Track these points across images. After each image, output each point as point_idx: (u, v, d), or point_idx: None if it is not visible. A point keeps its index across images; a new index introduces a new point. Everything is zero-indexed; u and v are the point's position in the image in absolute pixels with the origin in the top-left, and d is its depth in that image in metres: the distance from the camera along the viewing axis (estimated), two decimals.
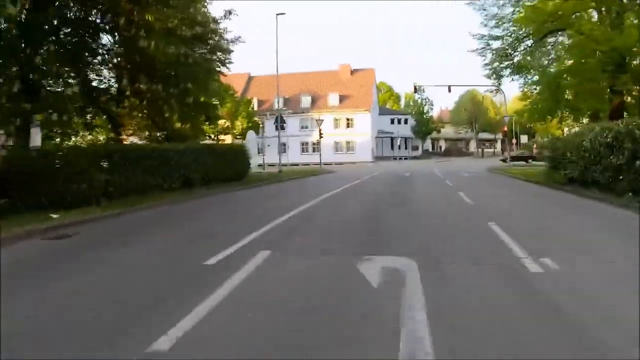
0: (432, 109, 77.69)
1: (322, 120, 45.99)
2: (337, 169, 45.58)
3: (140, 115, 22.16)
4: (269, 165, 63.11)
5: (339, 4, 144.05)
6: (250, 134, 44.50)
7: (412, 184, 20.99)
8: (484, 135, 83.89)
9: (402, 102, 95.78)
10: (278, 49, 39.77)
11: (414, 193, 16.09)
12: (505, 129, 38.92)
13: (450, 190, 17.02)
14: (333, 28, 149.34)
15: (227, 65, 25.56)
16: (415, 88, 38.62)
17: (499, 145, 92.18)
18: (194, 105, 22.34)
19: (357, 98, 72.37)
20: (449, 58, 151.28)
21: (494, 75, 26.43)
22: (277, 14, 32.46)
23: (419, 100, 77.24)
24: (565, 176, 17.56)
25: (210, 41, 18.56)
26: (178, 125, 20.24)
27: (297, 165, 67.44)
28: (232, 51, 21.60)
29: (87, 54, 17.36)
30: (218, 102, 29.35)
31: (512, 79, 26.32)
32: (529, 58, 24.73)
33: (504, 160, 58.96)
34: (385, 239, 7.61)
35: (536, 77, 26.17)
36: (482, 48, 26.12)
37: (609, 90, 21.39)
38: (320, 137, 44.03)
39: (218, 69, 23.86)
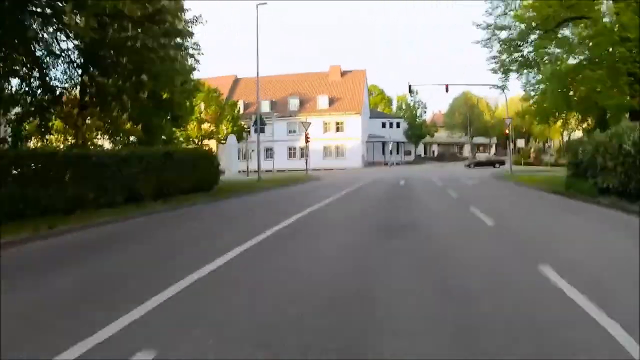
0: (425, 112, 74.86)
1: (309, 123, 42.85)
2: (325, 175, 42.38)
3: (92, 115, 18.87)
4: (255, 171, 59.98)
5: (329, 4, 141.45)
6: (231, 138, 41.23)
7: (410, 197, 17.23)
8: (478, 140, 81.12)
9: (394, 106, 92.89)
10: (259, 43, 35.39)
11: (416, 213, 12.07)
12: (507, 131, 35.81)
13: (459, 205, 13.84)
14: (324, 30, 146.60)
15: (196, 55, 22.43)
16: (409, 88, 35.62)
17: (493, 149, 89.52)
18: (153, 102, 19.09)
19: (347, 101, 69.37)
20: (443, 61, 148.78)
21: (502, 70, 23.37)
22: (258, 4, 29.14)
23: (412, 103, 74.26)
24: (595, 186, 14.46)
25: (166, 24, 15.22)
26: (128, 126, 16.85)
27: (284, 171, 64.35)
28: (193, 34, 18.34)
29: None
30: (188, 101, 25.98)
31: (521, 74, 23.15)
32: (542, 51, 21.58)
33: (468, 166, 56.83)
34: None
35: (542, 74, 23.28)
36: (488, 39, 23.11)
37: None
38: (307, 141, 40.75)
39: (185, 60, 20.76)
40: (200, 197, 16.67)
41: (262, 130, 29.61)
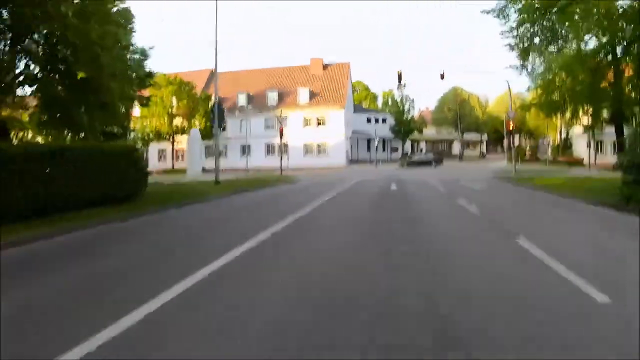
0: (413, 107, 69.99)
1: (285, 117, 37.74)
2: (302, 176, 37.42)
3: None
4: (227, 170, 54.70)
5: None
6: (194, 133, 36.07)
7: (413, 217, 10.95)
8: (468, 137, 76.72)
9: (380, 102, 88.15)
10: (217, 34, 29.80)
11: (442, 267, 6.68)
12: (511, 126, 31.14)
13: (499, 234, 8.71)
14: (308, 26, 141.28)
15: (126, 25, 17.56)
16: (399, 75, 30.69)
17: (484, 146, 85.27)
18: (69, 83, 14.09)
19: (329, 94, 64.40)
20: (431, 59, 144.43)
21: (521, 45, 18.55)
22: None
23: (399, 98, 69.41)
24: None
25: None
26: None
27: (260, 170, 59.23)
28: None
29: None
30: (130, 88, 20.84)
31: (544, 49, 18.35)
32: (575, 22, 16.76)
33: (401, 166, 52.51)
34: None
35: (556, 61, 18.76)
36: (504, 7, 18.28)
37: None
38: (281, 137, 35.73)
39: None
40: (108, 213, 11.52)
41: (223, 128, 24.34)
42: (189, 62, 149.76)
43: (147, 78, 35.08)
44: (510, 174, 31.03)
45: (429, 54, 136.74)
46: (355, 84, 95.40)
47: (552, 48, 19.62)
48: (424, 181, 24.41)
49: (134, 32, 24.56)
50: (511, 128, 31.12)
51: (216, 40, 23.04)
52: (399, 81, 32.09)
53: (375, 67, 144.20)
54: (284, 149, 62.30)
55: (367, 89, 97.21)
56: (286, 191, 20.42)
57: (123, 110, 33.41)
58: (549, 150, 63.60)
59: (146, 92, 61.78)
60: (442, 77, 31.74)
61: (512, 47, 19.14)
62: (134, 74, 32.28)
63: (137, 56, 34.11)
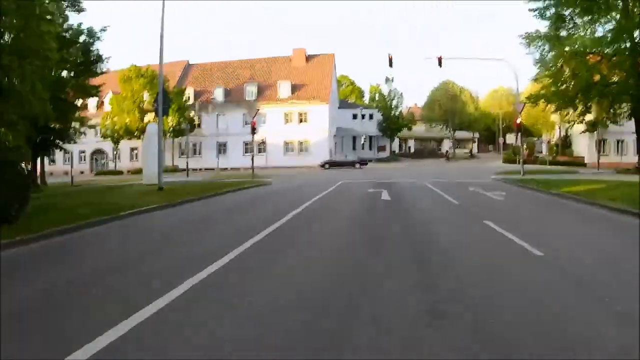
0: (401, 103, 65.37)
1: (257, 110, 33.21)
2: (278, 177, 32.79)
3: None
4: (205, 169, 49.76)
5: None
6: (150, 128, 30.95)
7: (425, 259, 6.39)
8: (459, 134, 72.51)
9: (367, 98, 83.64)
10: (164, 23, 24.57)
11: None
12: (519, 120, 26.76)
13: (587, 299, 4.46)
14: (291, 16, 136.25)
15: None
16: (389, 61, 26.20)
17: (475, 145, 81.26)
18: None
19: (312, 88, 59.73)
20: (423, 52, 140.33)
21: (552, 10, 14.14)
22: None
23: (387, 92, 64.85)
24: None
25: None
26: None
27: (239, 169, 54.57)
28: None
29: None
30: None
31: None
32: None
33: (322, 167, 48.41)
34: None
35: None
36: None
37: None
38: (254, 133, 31.01)
39: None
40: None
41: (165, 113, 19.53)
42: (166, 54, 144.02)
43: (95, 63, 30.31)
44: (517, 175, 26.78)
45: (419, 48, 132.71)
46: (340, 79, 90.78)
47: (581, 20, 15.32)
48: (422, 186, 19.91)
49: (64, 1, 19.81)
50: (519, 122, 26.67)
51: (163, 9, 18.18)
52: (390, 65, 27.58)
53: (362, 62, 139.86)
54: (258, 147, 57.86)
55: (353, 83, 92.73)
56: (240, 203, 15.64)
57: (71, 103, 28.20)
58: (546, 149, 59.77)
59: (114, 85, 56.35)
60: (440, 63, 27.34)
61: (541, 14, 14.81)
62: (73, 58, 27.52)
63: (84, 39, 29.26)
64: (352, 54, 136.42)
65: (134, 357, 3.34)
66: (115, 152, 63.34)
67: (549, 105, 30.43)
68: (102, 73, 31.27)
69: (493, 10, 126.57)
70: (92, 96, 34.54)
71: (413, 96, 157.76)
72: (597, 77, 26.82)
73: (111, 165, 63.03)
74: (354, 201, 13.56)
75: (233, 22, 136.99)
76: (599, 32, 26.40)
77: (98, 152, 65.22)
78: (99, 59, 30.15)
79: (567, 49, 25.65)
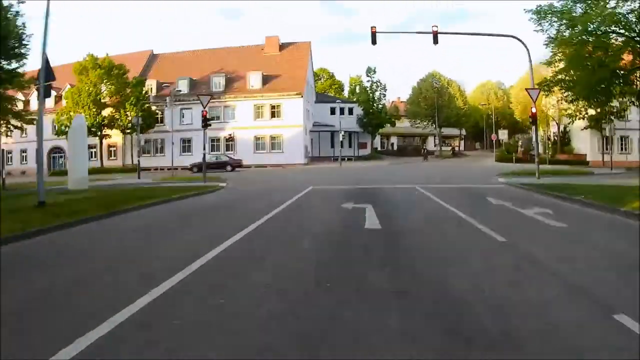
0: (384, 95, 59.79)
1: (209, 97, 27.39)
2: (239, 180, 27.18)
3: None
4: (167, 168, 43.66)
5: None
6: (77, 121, 24.89)
7: None
8: (446, 131, 67.31)
9: (347, 92, 78.15)
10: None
11: None
12: (534, 110, 21.40)
13: None
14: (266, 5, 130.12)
15: None
16: (373, 36, 20.65)
17: (462, 142, 76.46)
18: None
19: (286, 79, 53.93)
20: (408, 45, 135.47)
21: None
22: None
23: (369, 84, 59.23)
24: None
25: None
26: None
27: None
28: None
29: None
30: None
31: None
32: None
33: (190, 169, 42.94)
34: None
35: None
36: None
37: None
38: (205, 125, 25.15)
39: None
40: None
41: (48, 94, 13.54)
42: (131, 44, 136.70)
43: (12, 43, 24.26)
44: (530, 177, 21.55)
45: (404, 41, 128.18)
46: (319, 72, 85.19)
47: None
48: (421, 198, 14.40)
49: None
50: (534, 112, 21.28)
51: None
52: (373, 43, 21.96)
53: (343, 56, 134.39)
54: (226, 143, 52.07)
55: (332, 77, 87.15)
56: (151, 227, 9.97)
57: None
58: (540, 146, 55.04)
59: (71, 78, 49.19)
60: (435, 39, 21.88)
61: None
62: None
63: None
64: (332, 47, 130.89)
65: None
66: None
67: (563, 94, 25.28)
68: (22, 56, 25.28)
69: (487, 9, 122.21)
70: (14, 86, 28.25)
71: (397, 91, 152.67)
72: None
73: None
74: (318, 234, 7.90)
75: (205, 10, 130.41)
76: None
77: (56, 150, 58.70)
78: (16, 36, 24.19)
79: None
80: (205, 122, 25.16)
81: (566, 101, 26.49)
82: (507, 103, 67.51)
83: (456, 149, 67.96)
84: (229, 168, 41.74)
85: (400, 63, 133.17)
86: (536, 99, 21.79)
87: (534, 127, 23.31)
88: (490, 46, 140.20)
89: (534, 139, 25.01)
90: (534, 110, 21.56)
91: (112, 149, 59.19)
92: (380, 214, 9.87)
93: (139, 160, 39.31)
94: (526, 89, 22.96)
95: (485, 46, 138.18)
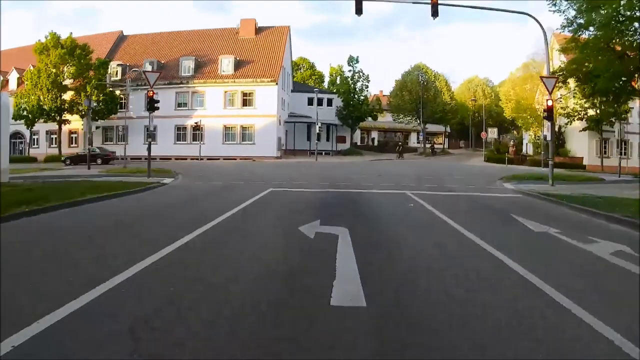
0: (367, 87, 55.41)
1: (157, 74, 23.07)
2: (193, 174, 22.79)
3: None
4: (130, 158, 38.66)
5: None
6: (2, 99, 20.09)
7: None
8: (430, 128, 63.33)
9: (327, 82, 73.74)
10: None
11: None
12: (550, 102, 17.42)
13: None
14: None
15: None
16: (358, 3, 16.36)
17: (446, 139, 72.81)
18: None
19: (260, 64, 49.36)
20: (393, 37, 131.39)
21: None
22: None
23: (351, 74, 54.89)
24: None
25: None
26: None
27: (170, 159, 44.12)
28: None
29: None
30: None
31: None
32: None
33: (64, 162, 38.81)
34: None
35: None
36: None
37: None
38: (151, 107, 20.60)
39: None
40: None
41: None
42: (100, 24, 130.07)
43: None
44: (543, 184, 17.61)
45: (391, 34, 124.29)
46: (298, 61, 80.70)
47: None
48: (422, 216, 10.18)
49: None
50: (550, 104, 17.33)
51: None
52: (358, 12, 17.65)
53: (324, 49, 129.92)
54: (192, 133, 47.10)
55: (312, 67, 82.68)
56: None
57: None
58: (530, 147, 51.61)
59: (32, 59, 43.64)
60: (435, 10, 17.73)
61: None
62: None
63: None
64: (314, 40, 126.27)
65: None
66: (31, 136, 52.23)
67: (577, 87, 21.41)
68: None
69: None
70: None
71: (380, 85, 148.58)
72: None
73: (33, 151, 51.95)
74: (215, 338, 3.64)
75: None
76: None
77: (18, 136, 53.33)
78: None
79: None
80: (152, 105, 20.62)
81: (582, 96, 22.59)
82: (495, 100, 64.02)
83: (436, 146, 63.48)
84: (99, 161, 36.71)
85: (384, 58, 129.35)
86: (552, 90, 17.82)
87: (549, 123, 19.34)
88: (479, 40, 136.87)
89: (548, 137, 21.04)
90: (549, 102, 17.60)
91: (73, 135, 53.82)
92: (363, 255, 5.63)
93: (89, 149, 34.54)
94: (541, 77, 19.01)
95: (474, 40, 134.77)
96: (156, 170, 23.90)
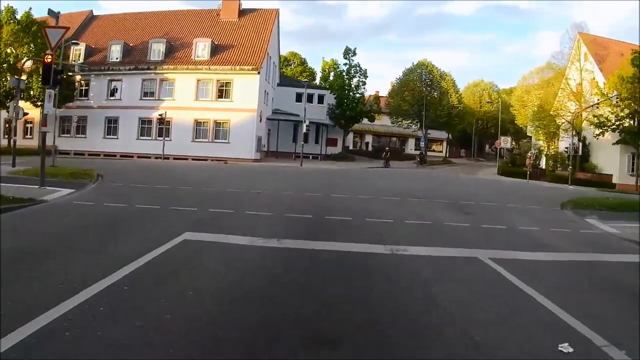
0: (364, 83, 48.41)
1: (63, 30, 15.74)
2: (114, 187, 15.80)
3: None
4: (88, 154, 30.88)
5: None
6: None
7: None
8: (431, 134, 56.78)
9: (319, 79, 67.02)
10: None
11: None
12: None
13: None
14: None
15: None
16: None
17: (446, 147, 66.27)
18: None
19: (241, 50, 42.38)
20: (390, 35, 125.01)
21: None
22: None
23: (347, 68, 47.95)
24: None
25: None
26: None
27: (132, 156, 37.31)
28: None
29: None
30: None
31: None
32: None
33: None
34: None
35: None
36: None
37: None
38: (45, 82, 13.50)
39: None
40: None
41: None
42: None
43: None
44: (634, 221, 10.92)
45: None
46: (289, 56, 74.02)
47: None
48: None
49: None
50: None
51: None
52: None
53: (316, 41, 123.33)
54: (158, 127, 39.87)
55: (304, 63, 76.04)
56: None
57: None
58: (544, 160, 45.25)
59: None
60: None
61: None
62: None
63: None
64: (309, 42, 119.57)
65: None
66: None
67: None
68: None
69: None
70: None
71: (376, 86, 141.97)
72: None
73: None
74: None
75: None
76: None
77: None
78: None
79: None
80: (48, 75, 13.51)
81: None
82: (504, 107, 57.65)
83: (424, 155, 56.37)
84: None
85: (383, 60, 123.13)
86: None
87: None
88: (479, 42, 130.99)
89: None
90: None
91: (28, 125, 46.10)
92: None
93: (14, 141, 27.49)
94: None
95: (475, 42, 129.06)
96: (70, 173, 16.95)
